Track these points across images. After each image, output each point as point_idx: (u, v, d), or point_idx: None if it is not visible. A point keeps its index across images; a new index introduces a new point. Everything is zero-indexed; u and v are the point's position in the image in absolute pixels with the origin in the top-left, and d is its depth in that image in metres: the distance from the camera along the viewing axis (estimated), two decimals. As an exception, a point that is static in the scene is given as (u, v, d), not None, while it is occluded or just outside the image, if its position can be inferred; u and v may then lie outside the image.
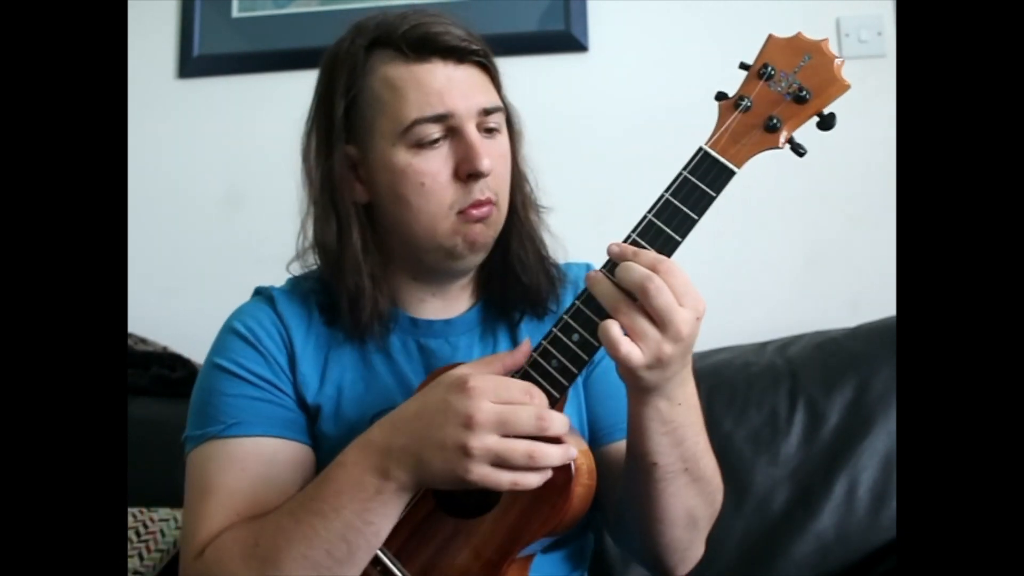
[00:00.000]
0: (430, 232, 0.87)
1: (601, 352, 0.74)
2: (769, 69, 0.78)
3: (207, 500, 0.82)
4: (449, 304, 0.95)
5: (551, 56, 1.70)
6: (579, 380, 0.93)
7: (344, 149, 0.89)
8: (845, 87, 0.78)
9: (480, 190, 0.86)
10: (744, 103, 0.78)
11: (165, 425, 1.09)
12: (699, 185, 0.77)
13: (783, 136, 0.78)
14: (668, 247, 0.76)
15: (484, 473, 0.70)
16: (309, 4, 1.75)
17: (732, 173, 0.78)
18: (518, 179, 0.95)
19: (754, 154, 0.78)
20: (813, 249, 1.64)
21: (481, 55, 0.89)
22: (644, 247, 0.76)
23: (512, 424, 0.71)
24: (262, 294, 0.95)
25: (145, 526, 1.21)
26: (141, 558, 1.19)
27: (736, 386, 1.36)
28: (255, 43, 1.75)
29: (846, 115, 1.89)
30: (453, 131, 0.86)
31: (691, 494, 0.83)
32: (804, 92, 0.77)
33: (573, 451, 0.74)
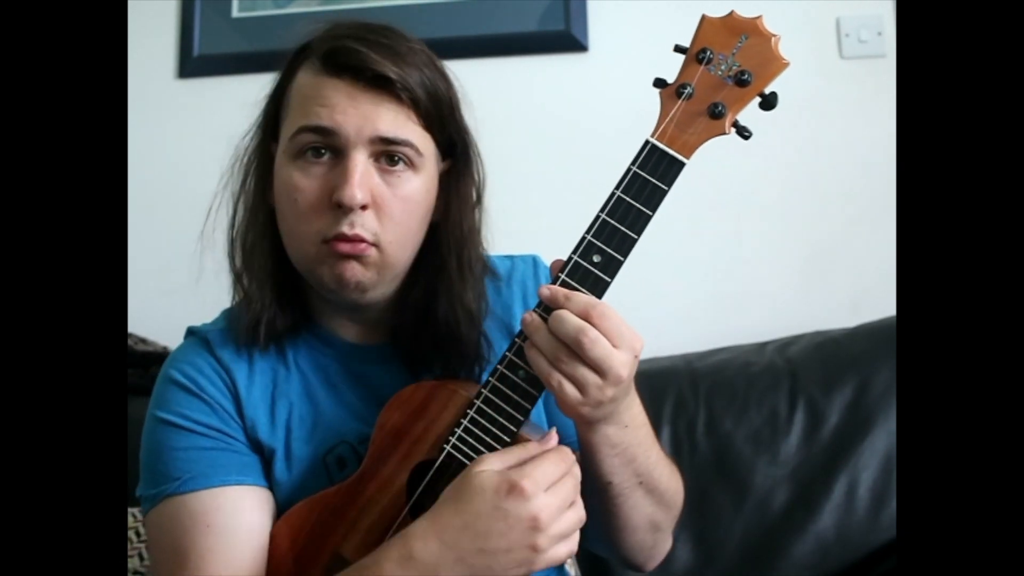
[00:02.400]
0: (301, 255, 0.84)
1: None
2: (708, 53, 0.76)
3: (180, 568, 0.79)
4: (370, 329, 0.91)
5: (551, 56, 1.70)
6: None
7: (271, 145, 0.88)
8: (784, 65, 0.76)
9: (348, 224, 0.79)
10: (687, 91, 0.76)
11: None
12: (649, 179, 0.76)
13: (728, 121, 0.76)
14: (624, 245, 0.75)
15: (551, 558, 0.72)
16: (309, 4, 1.75)
17: (682, 164, 0.77)
18: (457, 236, 0.88)
19: (702, 142, 0.77)
20: (813, 249, 1.64)
21: (400, 87, 0.81)
22: (599, 248, 0.74)
23: (566, 502, 0.73)
24: (196, 335, 0.91)
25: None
26: (141, 558, 1.19)
27: (736, 386, 1.36)
28: (255, 43, 1.75)
29: (846, 115, 1.90)
30: (337, 152, 0.81)
31: (648, 503, 0.85)
32: (745, 74, 0.75)
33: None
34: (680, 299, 1.61)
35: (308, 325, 0.91)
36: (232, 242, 0.90)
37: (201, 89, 1.76)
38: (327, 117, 0.80)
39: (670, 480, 0.87)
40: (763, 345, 1.46)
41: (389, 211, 0.82)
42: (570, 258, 0.75)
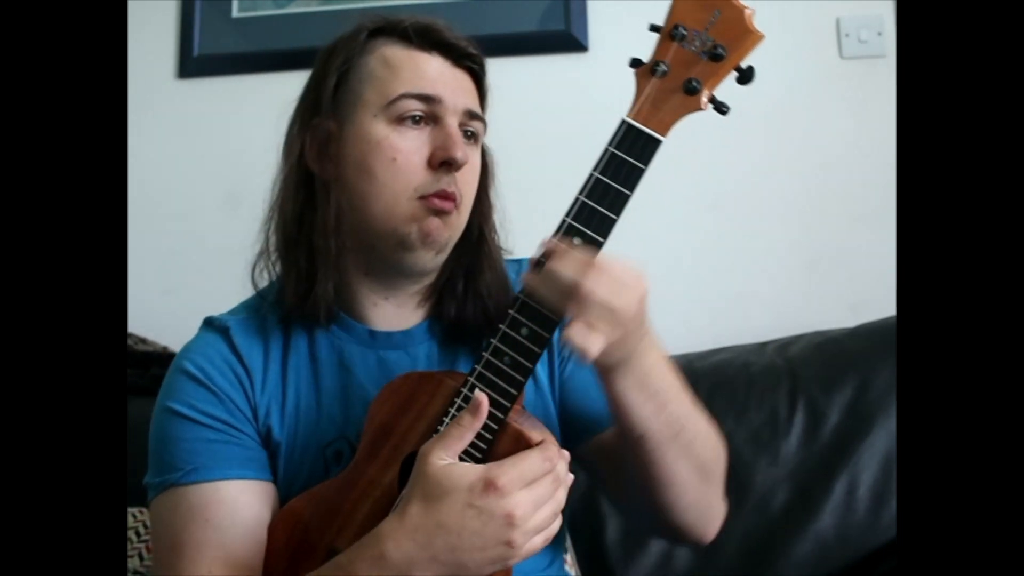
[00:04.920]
0: (388, 213, 0.86)
1: (565, 349, 0.74)
2: (680, 29, 0.76)
3: (176, 559, 0.80)
4: (402, 312, 0.93)
5: (551, 56, 1.70)
6: (549, 382, 0.94)
7: (324, 123, 0.89)
8: (759, 38, 0.75)
9: (448, 182, 0.86)
10: (660, 68, 0.76)
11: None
12: (627, 159, 0.76)
13: (704, 97, 0.76)
14: (604, 226, 0.75)
15: (526, 552, 0.72)
16: (309, 4, 1.75)
17: (658, 142, 0.76)
18: (487, 207, 0.95)
19: (678, 119, 0.77)
20: (813, 249, 1.64)
21: (477, 63, 0.92)
22: (579, 230, 0.75)
23: (543, 499, 0.72)
24: (213, 325, 0.92)
25: (145, 526, 1.21)
26: (141, 558, 1.19)
27: (736, 386, 1.36)
28: (255, 43, 1.75)
29: (846, 115, 1.89)
30: (436, 119, 0.87)
31: (690, 453, 0.83)
32: (719, 48, 0.75)
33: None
34: (680, 299, 1.60)
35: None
36: (278, 216, 0.91)
37: (201, 89, 1.76)
38: (430, 86, 0.87)
39: (708, 429, 0.85)
40: (763, 345, 1.46)
41: (468, 176, 0.89)
42: (552, 237, 0.75)
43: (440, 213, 0.86)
